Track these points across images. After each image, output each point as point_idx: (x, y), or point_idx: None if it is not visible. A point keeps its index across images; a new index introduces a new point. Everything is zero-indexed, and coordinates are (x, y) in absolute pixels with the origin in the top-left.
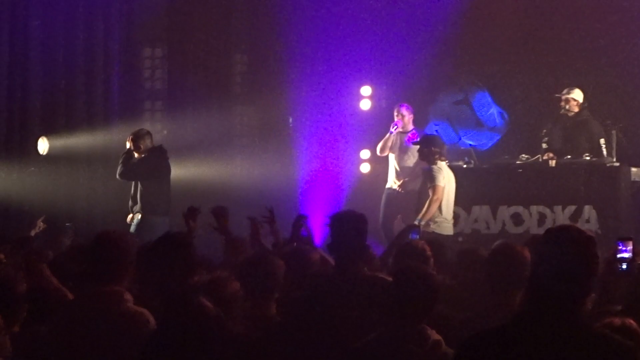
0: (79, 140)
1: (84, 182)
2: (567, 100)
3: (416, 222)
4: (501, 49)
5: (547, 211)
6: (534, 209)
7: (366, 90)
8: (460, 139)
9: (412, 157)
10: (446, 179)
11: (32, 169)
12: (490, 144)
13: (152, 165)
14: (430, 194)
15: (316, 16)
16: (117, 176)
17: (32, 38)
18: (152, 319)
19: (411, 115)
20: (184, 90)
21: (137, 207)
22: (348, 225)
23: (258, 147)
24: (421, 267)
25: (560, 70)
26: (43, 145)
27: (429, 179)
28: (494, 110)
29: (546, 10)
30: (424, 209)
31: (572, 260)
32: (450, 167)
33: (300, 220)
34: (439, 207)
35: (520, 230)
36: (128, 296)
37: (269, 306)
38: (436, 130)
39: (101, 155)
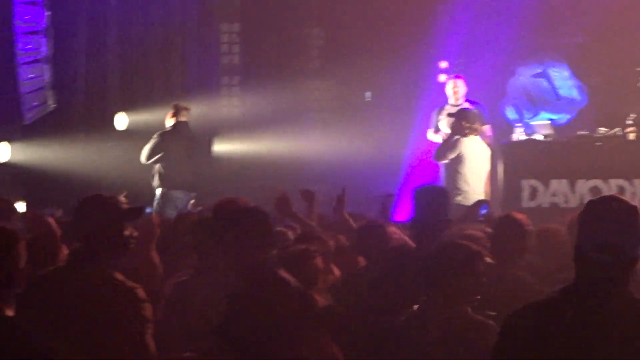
0: (157, 116)
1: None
2: None
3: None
4: (580, 21)
5: (626, 184)
6: (613, 182)
7: (443, 64)
8: (538, 112)
9: None
10: (474, 153)
11: (110, 144)
12: (568, 118)
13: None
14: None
15: None
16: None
17: (110, 15)
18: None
19: (465, 88)
20: (259, 65)
21: (155, 182)
22: (431, 199)
23: (333, 122)
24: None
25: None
26: (121, 121)
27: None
28: (573, 83)
29: None
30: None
31: (613, 231)
32: (530, 140)
33: (389, 199)
34: (466, 179)
35: None
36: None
37: None
38: (514, 105)
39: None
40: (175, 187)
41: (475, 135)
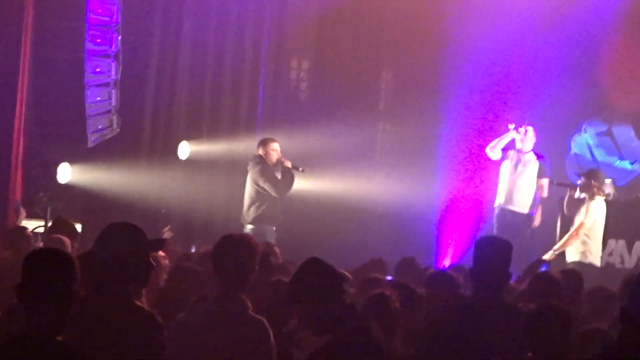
0: (221, 147)
1: (221, 189)
2: None
3: (550, 252)
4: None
5: None
6: None
7: (511, 125)
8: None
9: (529, 179)
10: (599, 213)
11: (171, 173)
12: (629, 179)
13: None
14: (575, 226)
15: (466, 37)
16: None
17: (183, 42)
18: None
19: (534, 138)
20: (327, 103)
21: (250, 216)
22: (493, 252)
23: (400, 166)
24: (559, 306)
25: None
26: (184, 150)
27: (583, 212)
28: (636, 144)
29: None
30: (563, 241)
31: None
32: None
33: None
34: (587, 238)
35: None
36: None
37: None
38: (577, 161)
39: (242, 163)
40: (268, 222)
41: (602, 195)
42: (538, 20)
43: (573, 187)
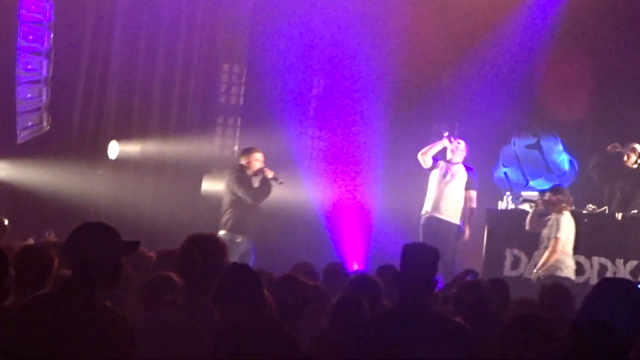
0: (150, 148)
1: (150, 189)
2: (633, 154)
3: (535, 272)
4: (577, 98)
5: (608, 263)
6: (596, 260)
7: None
8: (528, 183)
9: (457, 189)
10: (570, 227)
11: (100, 172)
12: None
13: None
14: (552, 244)
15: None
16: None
17: (114, 42)
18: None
19: (465, 152)
20: (258, 108)
21: (223, 224)
22: (420, 258)
23: (331, 171)
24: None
25: (633, 123)
26: (113, 150)
27: (554, 228)
28: (564, 157)
29: (620, 65)
30: (543, 259)
31: (616, 314)
32: (516, 210)
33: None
34: (569, 254)
35: (580, 280)
36: None
37: None
38: (504, 173)
39: (170, 164)
40: (240, 231)
41: (568, 209)
42: (469, 35)
43: (538, 202)
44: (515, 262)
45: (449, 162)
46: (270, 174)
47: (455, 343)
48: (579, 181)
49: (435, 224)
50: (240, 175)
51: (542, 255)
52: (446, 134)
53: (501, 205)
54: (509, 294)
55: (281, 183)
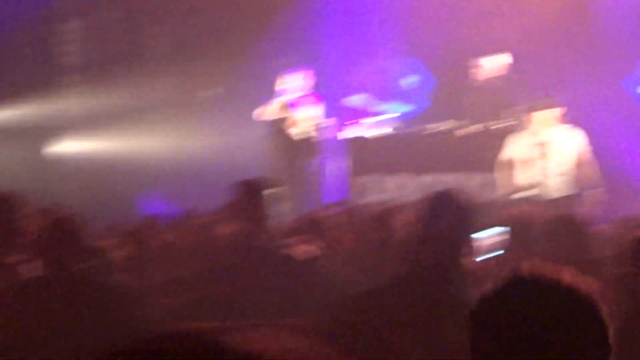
0: None
1: None
2: (484, 66)
3: None
4: (424, 16)
5: (456, 179)
6: (443, 177)
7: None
8: (383, 106)
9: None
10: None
11: None
12: (414, 112)
13: None
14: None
15: None
16: None
17: None
18: None
19: (312, 80)
20: (102, 63)
21: None
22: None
23: (175, 120)
24: None
25: (480, 38)
26: None
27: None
28: (419, 78)
29: None
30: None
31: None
32: (373, 136)
33: None
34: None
35: None
36: None
37: None
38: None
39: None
40: None
41: None
42: None
43: None
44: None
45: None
46: None
47: None
48: (435, 101)
49: None
50: None
51: None
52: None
53: (358, 131)
54: None
55: None
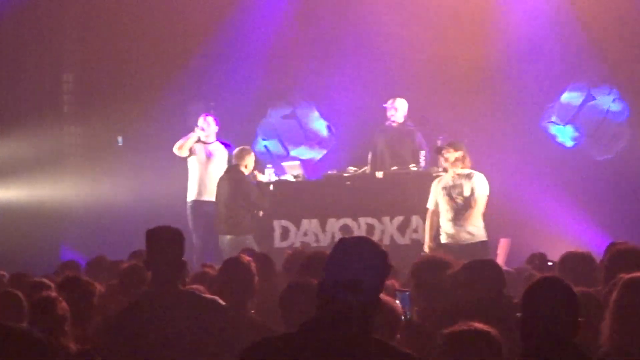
0: None
1: None
2: (393, 110)
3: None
4: (327, 62)
5: (375, 222)
6: (363, 220)
7: (195, 107)
8: (288, 153)
9: (219, 168)
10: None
11: None
12: (318, 158)
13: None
14: (482, 202)
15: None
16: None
17: None
18: None
19: (216, 127)
20: (12, 108)
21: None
22: (166, 242)
23: (88, 167)
24: None
25: (386, 82)
26: None
27: (479, 186)
28: (321, 123)
29: (364, 19)
30: (470, 215)
31: (357, 270)
32: (279, 181)
33: None
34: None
35: None
36: None
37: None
38: (265, 146)
39: None
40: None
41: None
42: (214, 16)
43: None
44: (285, 233)
45: (204, 143)
46: (260, 177)
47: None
48: (338, 146)
49: (205, 207)
50: (248, 179)
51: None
52: (199, 126)
53: (264, 178)
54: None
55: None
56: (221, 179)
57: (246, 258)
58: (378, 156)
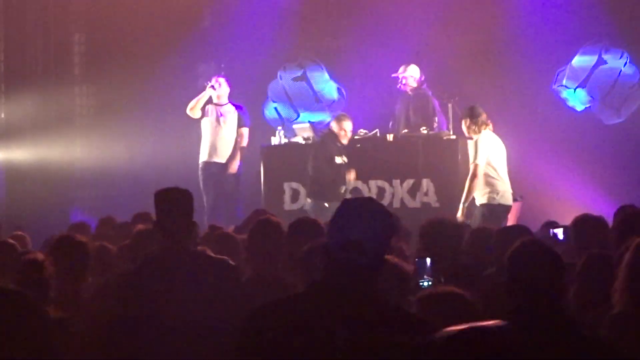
0: None
1: None
2: (405, 77)
3: (460, 206)
4: (338, 24)
5: (386, 185)
6: (373, 183)
7: (206, 68)
8: (299, 115)
9: (231, 130)
10: (494, 146)
11: None
12: (328, 120)
13: None
14: (471, 170)
15: None
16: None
17: None
18: None
19: (228, 88)
20: (22, 69)
21: None
22: (174, 202)
23: (99, 128)
24: None
25: (396, 47)
26: None
27: (472, 153)
28: (331, 86)
29: None
30: (465, 192)
31: (361, 230)
32: (290, 144)
33: None
34: (499, 177)
35: None
36: None
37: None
38: (275, 108)
39: None
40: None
41: (486, 128)
42: None
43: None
44: (295, 195)
45: (217, 105)
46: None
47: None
48: (349, 108)
49: (214, 168)
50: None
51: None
52: (209, 84)
53: (274, 141)
54: None
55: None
56: None
57: (275, 218)
58: (397, 122)
